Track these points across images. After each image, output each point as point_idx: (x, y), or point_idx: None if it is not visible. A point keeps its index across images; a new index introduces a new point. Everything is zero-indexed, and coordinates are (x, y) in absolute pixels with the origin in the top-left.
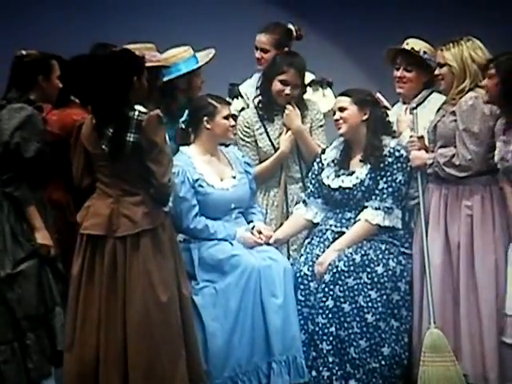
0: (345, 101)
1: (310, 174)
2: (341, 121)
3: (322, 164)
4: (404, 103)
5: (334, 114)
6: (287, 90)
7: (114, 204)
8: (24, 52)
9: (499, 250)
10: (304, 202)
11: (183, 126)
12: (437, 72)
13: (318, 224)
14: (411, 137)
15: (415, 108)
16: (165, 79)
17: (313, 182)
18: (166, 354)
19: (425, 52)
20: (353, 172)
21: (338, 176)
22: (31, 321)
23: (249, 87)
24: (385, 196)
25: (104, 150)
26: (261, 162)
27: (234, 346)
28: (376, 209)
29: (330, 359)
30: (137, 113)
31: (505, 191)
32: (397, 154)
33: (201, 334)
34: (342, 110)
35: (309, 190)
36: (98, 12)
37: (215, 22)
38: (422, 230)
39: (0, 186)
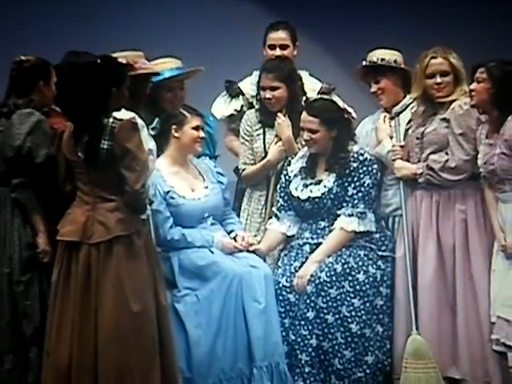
0: (314, 122)
1: (278, 188)
2: (311, 141)
3: (289, 176)
4: (386, 110)
5: (303, 130)
6: (267, 94)
7: (90, 211)
8: (23, 57)
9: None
10: (276, 216)
11: (152, 133)
12: (439, 80)
13: (292, 237)
14: (393, 146)
15: (397, 115)
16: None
17: (282, 195)
18: (137, 363)
19: (383, 59)
20: (320, 181)
21: (306, 186)
22: (36, 333)
23: (251, 85)
24: (356, 202)
25: (80, 158)
26: (255, 163)
27: (217, 353)
28: (349, 215)
29: (307, 369)
30: (111, 120)
31: (486, 196)
32: (361, 158)
33: (184, 342)
34: (311, 131)
35: (279, 204)
36: (90, 20)
37: (212, 20)
38: (404, 237)
39: (9, 191)
